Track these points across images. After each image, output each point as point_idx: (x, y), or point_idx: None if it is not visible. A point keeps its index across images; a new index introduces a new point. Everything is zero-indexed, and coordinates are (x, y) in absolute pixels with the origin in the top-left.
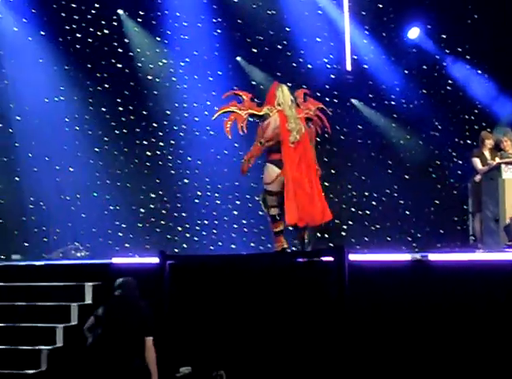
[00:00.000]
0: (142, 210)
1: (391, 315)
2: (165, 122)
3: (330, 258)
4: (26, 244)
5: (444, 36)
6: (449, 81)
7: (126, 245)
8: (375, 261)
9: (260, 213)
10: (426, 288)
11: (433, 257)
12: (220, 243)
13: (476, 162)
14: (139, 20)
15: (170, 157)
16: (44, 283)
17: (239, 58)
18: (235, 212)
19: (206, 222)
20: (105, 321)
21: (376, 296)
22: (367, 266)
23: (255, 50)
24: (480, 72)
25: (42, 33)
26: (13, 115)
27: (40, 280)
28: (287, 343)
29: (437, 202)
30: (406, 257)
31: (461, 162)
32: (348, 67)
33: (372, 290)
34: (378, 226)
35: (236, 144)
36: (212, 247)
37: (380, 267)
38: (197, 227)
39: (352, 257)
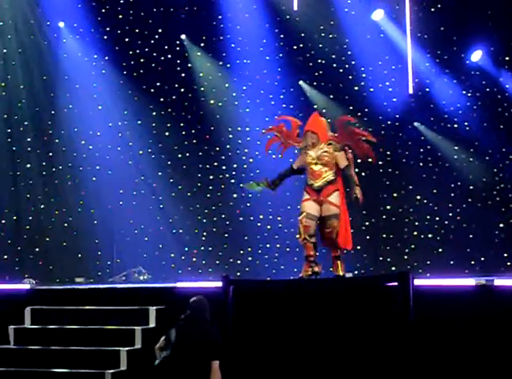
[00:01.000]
0: (205, 233)
1: (455, 340)
2: (228, 146)
3: (395, 283)
4: (90, 267)
5: (507, 58)
6: None
7: (189, 268)
8: (440, 286)
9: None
10: (491, 313)
11: (498, 281)
12: (282, 267)
13: None
14: (202, 44)
15: (232, 181)
16: (108, 307)
17: (301, 82)
18: (276, 237)
19: (268, 245)
20: (173, 343)
21: (441, 321)
22: (431, 291)
23: (317, 74)
24: None
25: (106, 58)
26: (78, 139)
27: (104, 304)
28: (351, 368)
29: (501, 225)
30: (471, 281)
31: None
32: (410, 90)
33: (437, 316)
34: (440, 250)
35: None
36: (274, 271)
37: (445, 292)
38: (259, 251)
39: (417, 282)
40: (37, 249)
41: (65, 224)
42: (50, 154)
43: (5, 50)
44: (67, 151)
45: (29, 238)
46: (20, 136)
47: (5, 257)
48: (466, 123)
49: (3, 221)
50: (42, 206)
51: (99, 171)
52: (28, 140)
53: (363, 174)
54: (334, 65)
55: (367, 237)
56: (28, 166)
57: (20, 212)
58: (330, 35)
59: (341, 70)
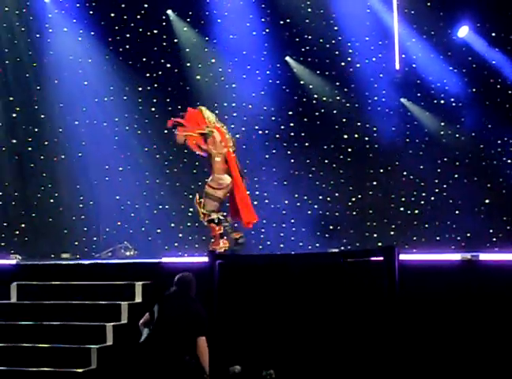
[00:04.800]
0: (191, 209)
1: (441, 314)
2: None
3: (380, 258)
4: (76, 243)
5: (493, 34)
6: (499, 79)
7: (175, 244)
8: (425, 261)
9: (309, 212)
10: (476, 288)
11: (484, 256)
12: (268, 242)
13: None
14: (188, 20)
15: None
16: (94, 282)
17: (287, 58)
18: (284, 212)
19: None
20: (157, 318)
21: (426, 296)
22: (417, 266)
23: (304, 50)
24: None
25: (92, 33)
26: (63, 115)
27: (90, 279)
28: (336, 342)
29: (487, 201)
30: (456, 256)
31: (510, 161)
32: (397, 66)
33: (422, 290)
34: (427, 225)
35: (285, 144)
36: (260, 247)
37: (430, 266)
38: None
39: (403, 256)
40: (23, 225)
41: (51, 200)
42: (36, 130)
43: None
44: (53, 127)
45: (15, 213)
46: (6, 112)
47: None
48: (452, 99)
49: None
50: (27, 182)
51: (85, 147)
52: (14, 115)
53: (349, 150)
54: (321, 40)
55: (354, 213)
56: (14, 141)
57: (6, 187)
58: (317, 11)
59: (328, 46)
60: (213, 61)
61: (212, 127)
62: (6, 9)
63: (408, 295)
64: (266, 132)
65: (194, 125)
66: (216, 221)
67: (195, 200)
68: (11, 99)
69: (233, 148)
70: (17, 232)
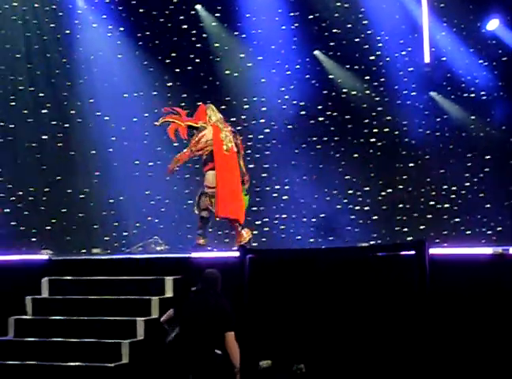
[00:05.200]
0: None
1: (471, 309)
2: (243, 116)
3: (411, 252)
4: (106, 238)
5: None
6: None
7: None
8: (456, 255)
9: (338, 207)
10: (507, 282)
11: None
12: (298, 237)
13: None
14: (217, 15)
15: (249, 151)
16: (125, 277)
17: (316, 52)
18: (314, 206)
19: (284, 216)
20: (184, 315)
21: (457, 290)
22: (447, 260)
23: (333, 44)
24: None
25: (121, 29)
26: (93, 110)
27: (121, 274)
28: (366, 336)
29: None
30: (487, 250)
31: None
32: (427, 59)
33: (453, 285)
34: (457, 219)
35: (314, 138)
36: (290, 241)
37: (461, 261)
38: (276, 221)
39: (433, 250)
40: (54, 221)
41: (82, 195)
42: (66, 125)
43: (20, 22)
44: (83, 123)
45: (46, 209)
46: (36, 108)
47: (22, 228)
48: (482, 92)
49: (20, 193)
50: (58, 177)
51: (115, 142)
52: (44, 111)
53: (379, 144)
54: (350, 34)
55: (384, 207)
56: (44, 137)
57: (37, 183)
58: (346, 5)
59: (357, 40)
60: (242, 56)
61: (208, 124)
62: (36, 5)
63: (438, 290)
64: (295, 126)
65: (189, 119)
66: (202, 220)
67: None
68: (41, 95)
69: (227, 147)
70: (48, 227)
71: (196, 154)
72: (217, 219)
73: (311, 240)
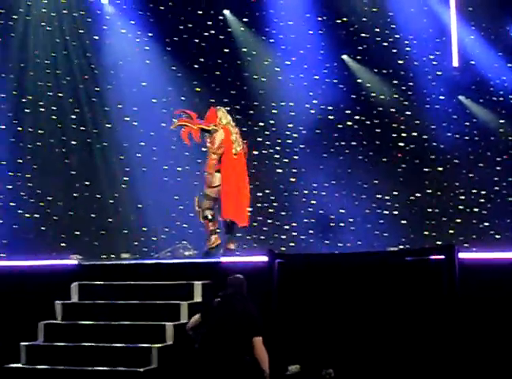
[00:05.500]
0: (249, 209)
1: (501, 314)
2: (272, 121)
3: (440, 256)
4: (135, 243)
5: None
6: None
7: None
8: (485, 259)
9: (367, 211)
10: None
11: None
12: (326, 242)
13: None
14: (244, 19)
15: (277, 156)
16: (154, 282)
17: (344, 57)
18: (342, 211)
19: (313, 220)
20: (211, 321)
21: (486, 294)
22: (476, 264)
23: (361, 48)
24: None
25: (149, 34)
26: (121, 116)
27: (150, 279)
28: (395, 341)
29: None
30: None
31: None
32: (455, 63)
33: (482, 289)
34: (486, 223)
35: (343, 143)
36: (318, 246)
37: (490, 265)
38: (304, 226)
39: (462, 255)
40: (83, 226)
41: (111, 201)
42: (95, 131)
43: (49, 28)
44: (111, 128)
45: (75, 214)
46: (65, 114)
47: (52, 233)
48: (511, 96)
49: (49, 198)
50: (87, 183)
51: (144, 147)
52: (73, 117)
53: (407, 148)
54: (378, 38)
55: (412, 211)
56: (74, 143)
57: (66, 188)
58: (374, 9)
59: (385, 44)
60: (270, 60)
61: (220, 127)
62: (64, 11)
63: (468, 294)
64: (324, 131)
65: (201, 122)
66: (210, 218)
67: (195, 200)
68: (70, 101)
69: (236, 150)
70: (77, 233)
71: (218, 153)
72: (220, 219)
73: (340, 244)
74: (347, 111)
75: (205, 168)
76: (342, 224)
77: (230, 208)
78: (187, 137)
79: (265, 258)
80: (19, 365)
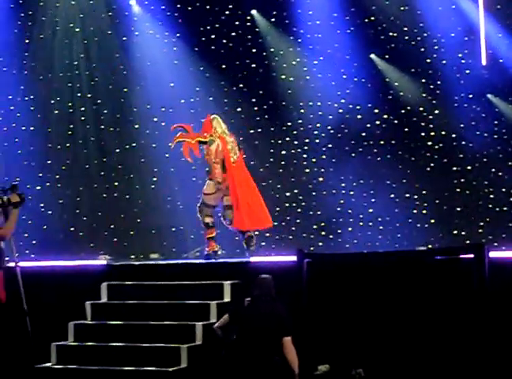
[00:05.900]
0: (278, 209)
1: None
2: (299, 121)
3: (470, 255)
4: (164, 243)
5: None
6: None
7: (262, 243)
8: None
9: (396, 210)
10: None
11: None
12: (355, 241)
13: None
14: (272, 19)
15: (304, 155)
16: (183, 282)
17: (372, 56)
18: (371, 210)
19: (341, 220)
20: (241, 321)
21: None
22: (507, 263)
23: (389, 47)
24: None
25: (177, 35)
26: (150, 116)
27: (179, 279)
28: (425, 340)
29: None
30: None
31: None
32: (484, 62)
33: None
34: None
35: (371, 142)
36: (347, 245)
37: None
38: (333, 225)
39: (492, 254)
40: (112, 226)
41: (139, 201)
42: (124, 132)
43: (77, 29)
44: (140, 129)
45: (104, 214)
46: (94, 115)
47: (81, 233)
48: None
49: (78, 199)
50: (116, 183)
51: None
52: (102, 118)
53: (436, 147)
54: (406, 37)
55: (441, 210)
56: (102, 143)
57: (95, 189)
58: (402, 8)
59: (413, 43)
60: (298, 60)
61: (216, 136)
62: (92, 12)
63: (498, 293)
64: (352, 130)
65: (197, 134)
66: (211, 225)
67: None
68: (99, 101)
69: (233, 159)
70: (106, 233)
71: (220, 162)
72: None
73: (368, 244)
74: (375, 110)
75: (211, 177)
76: (370, 224)
77: (245, 219)
78: (188, 154)
79: (294, 258)
80: (49, 365)
